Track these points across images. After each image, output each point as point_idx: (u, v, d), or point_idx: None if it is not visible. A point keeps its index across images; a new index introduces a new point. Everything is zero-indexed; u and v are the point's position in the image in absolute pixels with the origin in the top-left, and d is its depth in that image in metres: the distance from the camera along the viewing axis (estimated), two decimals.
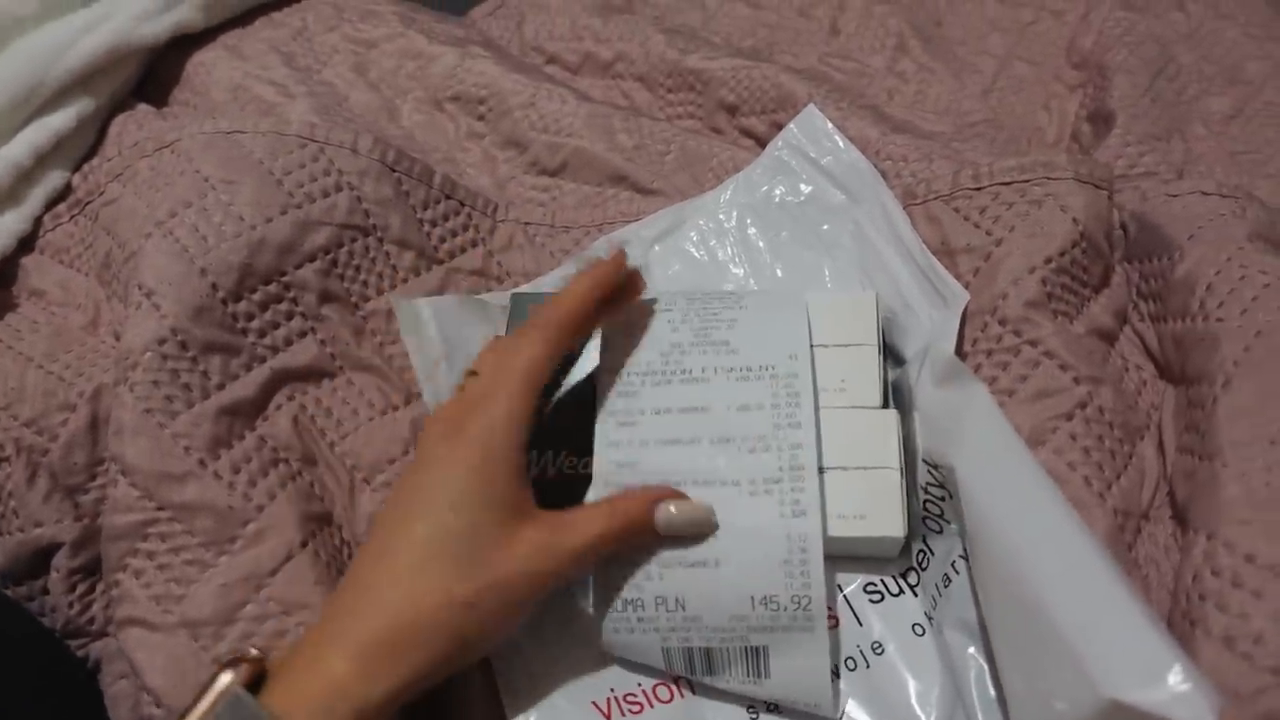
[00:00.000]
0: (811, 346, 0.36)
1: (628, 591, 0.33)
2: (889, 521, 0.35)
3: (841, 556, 0.37)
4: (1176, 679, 0.25)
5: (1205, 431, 0.33)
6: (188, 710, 0.29)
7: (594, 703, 0.35)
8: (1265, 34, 0.55)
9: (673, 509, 0.33)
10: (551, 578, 0.31)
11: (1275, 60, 0.54)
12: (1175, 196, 0.41)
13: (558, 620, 0.36)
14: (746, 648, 0.32)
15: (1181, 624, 0.30)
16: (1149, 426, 0.37)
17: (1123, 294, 0.41)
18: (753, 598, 0.32)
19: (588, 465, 0.35)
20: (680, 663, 0.34)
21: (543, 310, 0.34)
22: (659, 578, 0.33)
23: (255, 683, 0.29)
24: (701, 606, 0.33)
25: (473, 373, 0.34)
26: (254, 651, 0.30)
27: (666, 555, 0.33)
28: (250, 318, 0.41)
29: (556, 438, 0.37)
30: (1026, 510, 0.30)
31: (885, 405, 0.37)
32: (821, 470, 0.35)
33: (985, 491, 0.31)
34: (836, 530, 0.35)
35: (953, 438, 0.33)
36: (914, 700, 0.34)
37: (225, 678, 0.29)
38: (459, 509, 0.31)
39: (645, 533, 0.33)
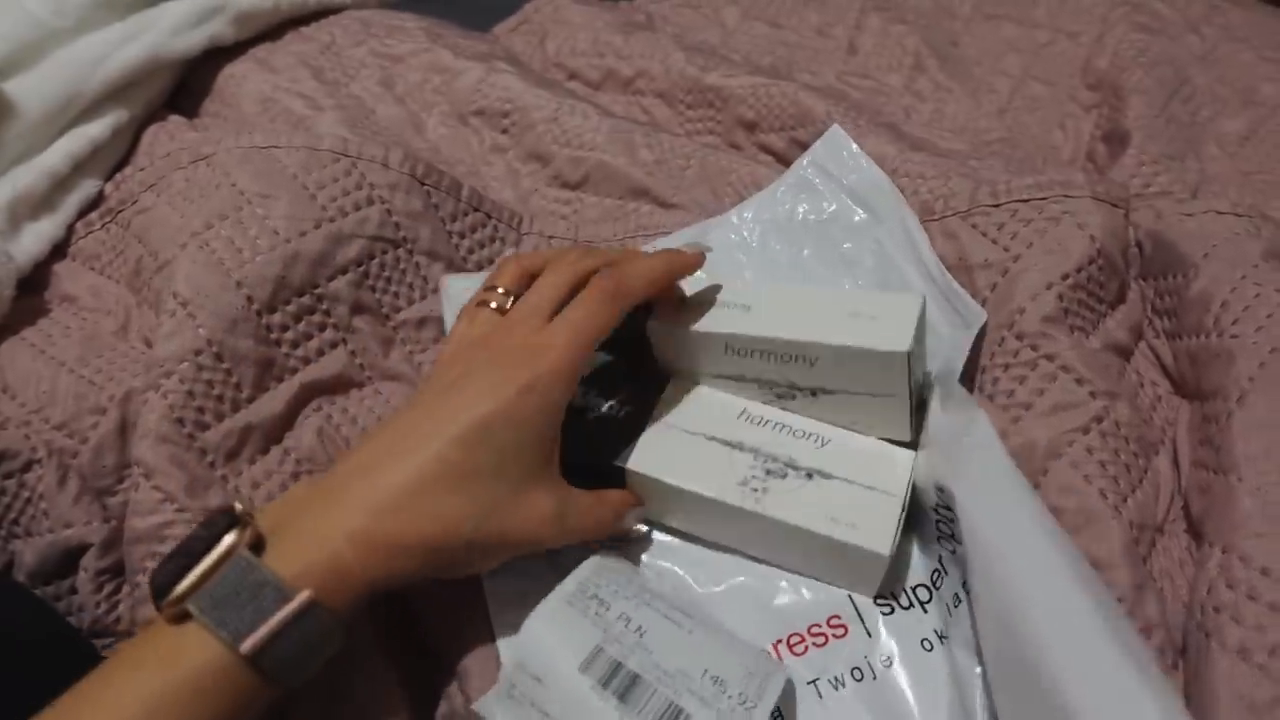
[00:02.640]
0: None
1: (603, 588, 0.34)
2: (879, 538, 0.34)
3: (821, 578, 0.37)
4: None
5: (1220, 446, 0.34)
6: (188, 567, 0.29)
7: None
8: (1279, 57, 0.56)
9: (632, 517, 0.37)
10: (546, 545, 0.33)
11: None
12: (1190, 215, 0.41)
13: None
14: (672, 704, 0.32)
15: (1197, 635, 0.31)
16: (1164, 441, 0.38)
17: (1138, 310, 0.41)
18: (706, 670, 0.32)
19: (610, 408, 0.39)
20: (601, 670, 0.32)
21: (616, 278, 0.35)
22: (637, 600, 0.34)
23: (253, 546, 0.29)
24: (658, 644, 0.33)
25: (505, 293, 0.36)
26: (239, 506, 0.30)
27: (652, 590, 0.35)
28: (284, 329, 0.42)
29: (604, 381, 0.40)
30: (1022, 553, 0.30)
31: (915, 420, 0.37)
32: (828, 476, 0.36)
33: (983, 526, 0.31)
34: (824, 530, 0.35)
35: (954, 464, 0.33)
36: (920, 715, 0.34)
37: (229, 539, 0.29)
38: (495, 445, 0.31)
39: (615, 533, 0.37)
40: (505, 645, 0.35)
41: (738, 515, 0.37)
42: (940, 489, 0.34)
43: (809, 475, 0.37)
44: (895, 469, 0.37)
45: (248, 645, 0.28)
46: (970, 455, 0.33)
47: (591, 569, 0.35)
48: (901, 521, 0.35)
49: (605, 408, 0.40)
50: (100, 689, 0.28)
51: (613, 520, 0.36)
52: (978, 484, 0.32)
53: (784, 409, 0.39)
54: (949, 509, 0.34)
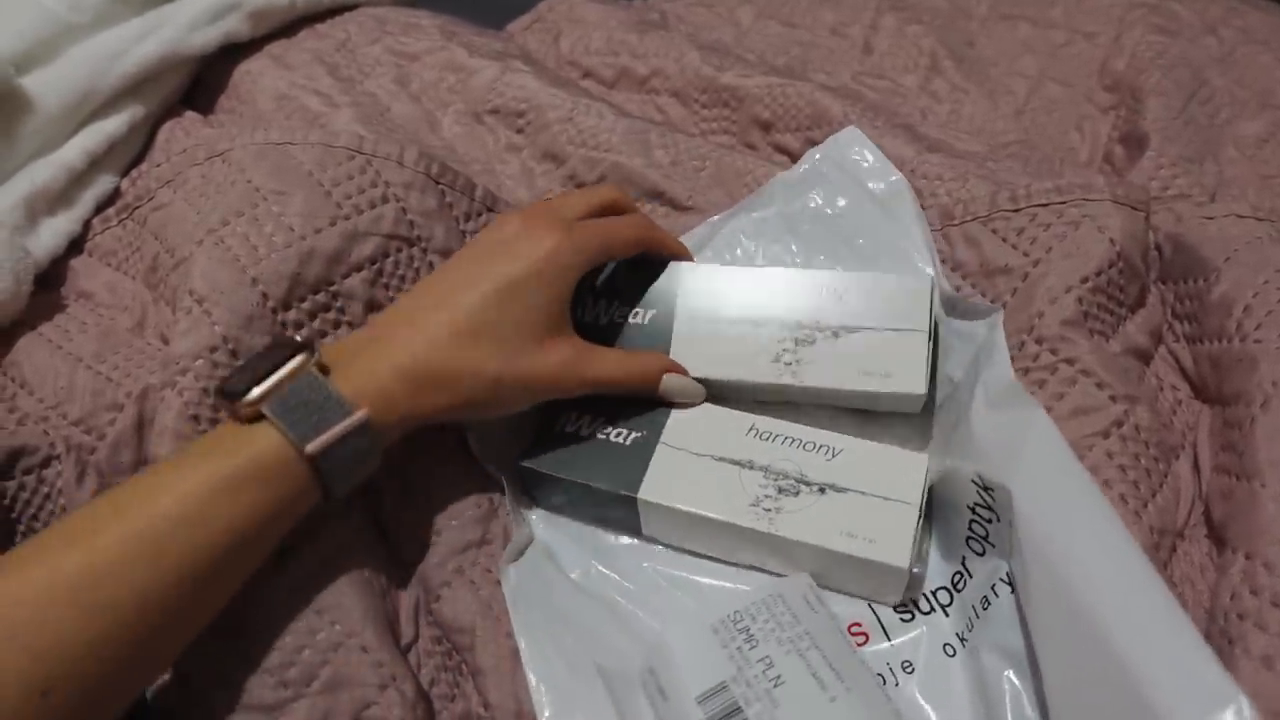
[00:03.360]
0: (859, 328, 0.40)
1: (759, 623, 0.34)
2: (897, 551, 0.34)
3: (841, 589, 0.37)
4: (1240, 711, 0.25)
5: (1243, 452, 0.34)
6: (256, 379, 0.32)
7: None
8: None
9: (672, 381, 0.40)
10: (563, 389, 0.38)
11: None
12: (1211, 219, 0.41)
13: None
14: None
15: (1219, 642, 0.31)
16: (1184, 446, 0.38)
17: (1158, 314, 0.41)
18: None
19: (636, 316, 0.42)
20: (716, 708, 0.31)
21: (649, 221, 0.43)
22: (791, 646, 0.33)
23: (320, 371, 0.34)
24: (788, 700, 0.32)
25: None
26: (302, 337, 0.37)
27: (819, 639, 0.34)
28: (299, 326, 0.42)
29: (617, 291, 0.43)
30: (1089, 540, 0.30)
31: (930, 395, 0.39)
32: (841, 490, 0.36)
33: (1045, 519, 0.31)
34: (841, 547, 0.35)
35: (1010, 461, 0.33)
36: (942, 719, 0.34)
37: (299, 357, 0.33)
38: (522, 301, 0.37)
39: (648, 390, 0.40)
40: (524, 632, 0.36)
41: (752, 537, 0.36)
42: (986, 488, 0.34)
43: (821, 490, 0.36)
44: (910, 476, 0.36)
45: (313, 446, 0.32)
46: (1032, 454, 0.33)
47: (758, 598, 0.34)
48: (919, 530, 0.35)
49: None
50: (169, 472, 0.31)
51: (640, 374, 0.40)
52: (1043, 484, 0.32)
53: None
54: (989, 508, 0.34)
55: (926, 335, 0.38)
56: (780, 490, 0.37)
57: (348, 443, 0.33)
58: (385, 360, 0.35)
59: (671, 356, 0.41)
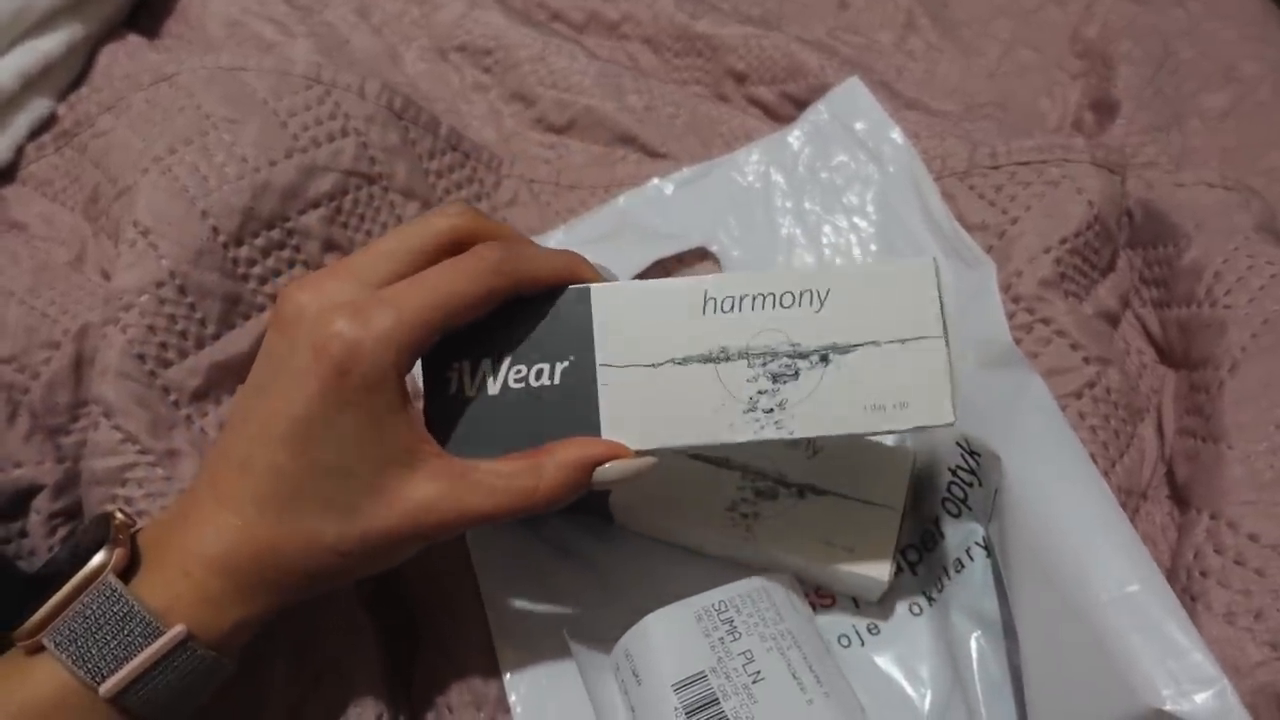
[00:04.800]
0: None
1: (743, 614, 0.32)
2: (877, 562, 0.34)
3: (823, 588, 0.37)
4: (1220, 692, 0.25)
5: (1210, 415, 0.34)
6: (50, 586, 0.26)
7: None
8: (1261, 36, 0.56)
9: (610, 472, 0.28)
10: (440, 533, 0.28)
11: (1269, 61, 0.55)
12: (1181, 186, 0.41)
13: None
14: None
15: (1183, 599, 0.31)
16: (1149, 409, 0.38)
17: (1126, 279, 0.41)
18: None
19: (540, 374, 0.29)
20: (692, 697, 0.30)
21: (503, 251, 0.28)
22: (774, 643, 0.32)
23: (127, 567, 0.27)
24: (766, 698, 0.31)
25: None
26: (120, 515, 0.28)
27: (802, 638, 0.33)
28: (251, 264, 0.40)
29: (497, 343, 0.29)
30: (1080, 513, 0.30)
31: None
32: (821, 492, 0.35)
33: (1036, 491, 0.31)
34: (820, 558, 0.34)
35: (1002, 428, 0.32)
36: (908, 679, 0.34)
37: (96, 559, 0.26)
38: (326, 443, 0.26)
39: (576, 496, 0.29)
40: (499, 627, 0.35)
41: (728, 542, 0.35)
42: (972, 452, 0.33)
43: (800, 493, 0.35)
44: (893, 476, 0.35)
45: (108, 686, 0.25)
46: (1025, 421, 0.32)
47: (744, 590, 0.33)
48: (902, 533, 0.34)
49: (533, 379, 0.33)
50: None
51: (552, 488, 0.28)
52: (1036, 453, 0.31)
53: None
54: (971, 472, 0.34)
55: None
56: (758, 493, 0.35)
57: (165, 668, 0.26)
58: (194, 550, 0.26)
59: (604, 427, 0.29)
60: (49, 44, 0.47)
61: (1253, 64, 0.55)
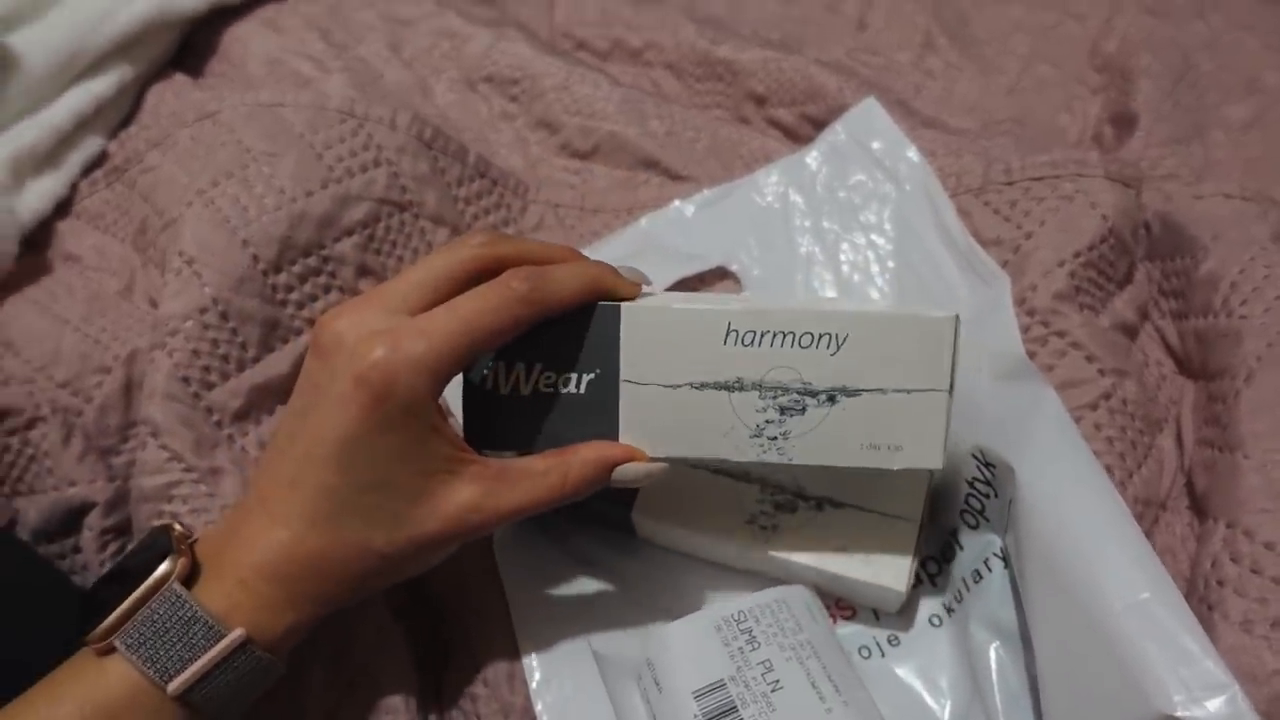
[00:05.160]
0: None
1: (762, 625, 0.33)
2: (895, 574, 0.34)
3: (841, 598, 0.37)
4: (1233, 699, 0.26)
5: (1227, 424, 0.34)
6: (117, 594, 0.28)
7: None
8: None
9: (630, 469, 0.31)
10: (478, 531, 0.30)
11: None
12: (1199, 198, 0.42)
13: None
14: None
15: (1200, 608, 0.31)
16: (1168, 420, 0.38)
17: (1145, 291, 0.42)
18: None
19: (567, 382, 0.31)
20: (712, 706, 0.31)
21: (534, 278, 0.29)
22: (793, 652, 0.32)
23: (189, 575, 0.29)
24: (785, 706, 0.31)
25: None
26: (178, 527, 0.30)
27: (822, 648, 0.33)
28: (289, 290, 0.42)
29: (541, 349, 0.32)
30: (1092, 524, 0.30)
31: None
32: (839, 505, 0.36)
33: (1049, 500, 0.31)
34: (839, 569, 0.35)
35: (1016, 440, 0.33)
36: (928, 690, 0.35)
37: (161, 568, 0.28)
38: (370, 461, 0.28)
39: (595, 490, 0.31)
40: (524, 631, 0.36)
41: (748, 554, 0.36)
42: (988, 464, 0.34)
43: (819, 505, 0.36)
44: (911, 488, 0.36)
45: (177, 684, 0.27)
46: (1039, 434, 0.32)
47: (763, 601, 0.34)
48: (920, 545, 0.35)
49: (563, 385, 0.35)
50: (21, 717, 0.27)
51: (578, 483, 0.30)
52: (1049, 465, 0.32)
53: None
54: (988, 484, 0.34)
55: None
56: (777, 506, 0.36)
57: (226, 669, 0.28)
58: (250, 560, 0.29)
59: (621, 435, 0.31)
60: (100, 85, 0.49)
61: (1275, 74, 0.55)
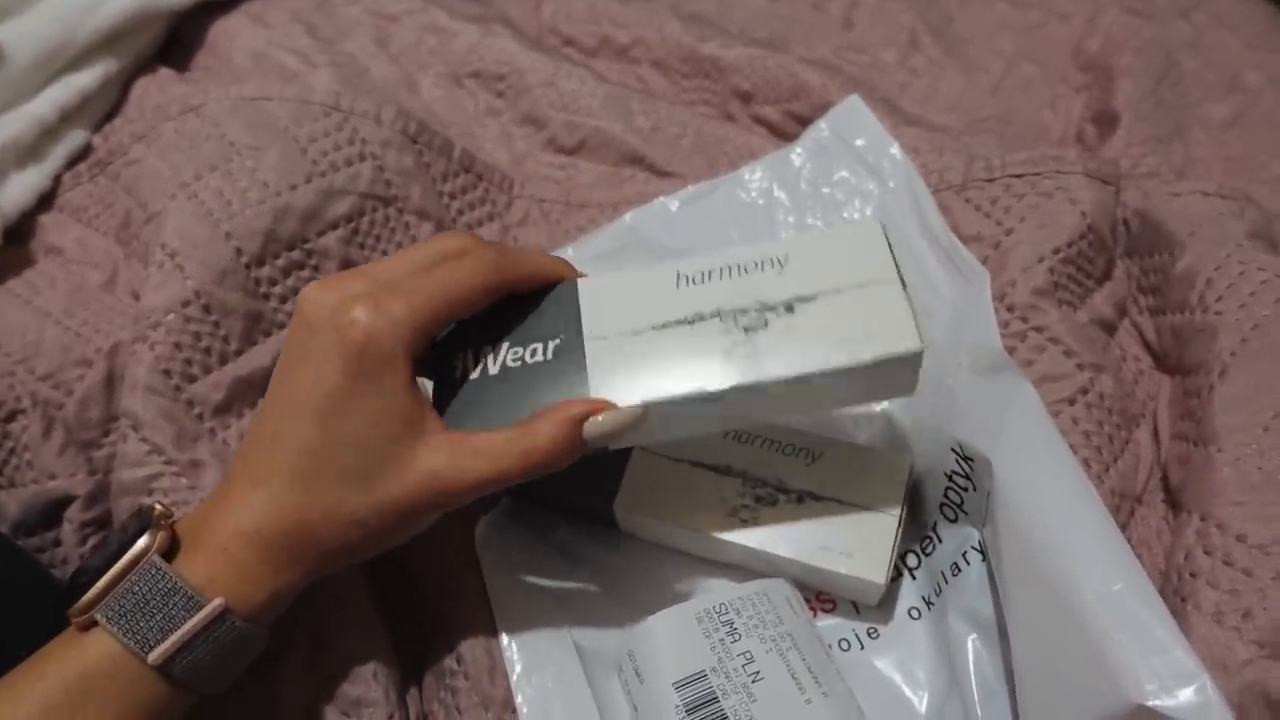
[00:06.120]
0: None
1: (743, 617, 0.33)
2: (874, 566, 0.34)
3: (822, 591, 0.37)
4: (1203, 688, 0.26)
5: (1201, 418, 0.35)
6: (99, 570, 0.28)
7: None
8: (1265, 45, 0.57)
9: (598, 426, 0.30)
10: (449, 502, 0.30)
11: (1274, 71, 0.55)
12: (1177, 196, 0.42)
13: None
14: None
15: (1173, 600, 0.32)
16: (1145, 414, 0.39)
17: (1123, 287, 0.42)
18: None
19: (534, 353, 0.32)
20: (692, 695, 0.31)
21: (500, 249, 0.32)
22: (773, 644, 0.33)
23: (168, 550, 0.29)
24: (765, 697, 0.31)
25: None
26: (159, 507, 0.30)
27: (802, 640, 0.33)
28: (273, 283, 0.42)
29: (495, 332, 0.33)
30: (1066, 516, 0.30)
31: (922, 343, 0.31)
32: (819, 498, 0.36)
33: (1024, 492, 0.31)
34: (819, 562, 0.35)
35: (993, 433, 0.33)
36: (906, 681, 0.35)
37: (140, 543, 0.29)
38: (348, 417, 0.29)
39: (571, 454, 0.30)
40: (504, 618, 0.36)
41: (730, 547, 0.36)
42: (966, 458, 0.34)
43: (799, 499, 0.36)
44: (891, 482, 0.36)
45: (157, 654, 0.28)
46: (1015, 427, 0.33)
47: (744, 593, 0.34)
48: (899, 538, 0.35)
49: (529, 355, 0.34)
50: (3, 697, 0.28)
51: (549, 446, 0.30)
52: (1024, 457, 0.32)
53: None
54: (966, 477, 0.34)
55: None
56: (758, 499, 0.36)
57: (205, 639, 0.28)
58: (229, 527, 0.29)
59: (592, 391, 0.31)
60: (85, 79, 0.49)
61: (1257, 74, 0.56)
